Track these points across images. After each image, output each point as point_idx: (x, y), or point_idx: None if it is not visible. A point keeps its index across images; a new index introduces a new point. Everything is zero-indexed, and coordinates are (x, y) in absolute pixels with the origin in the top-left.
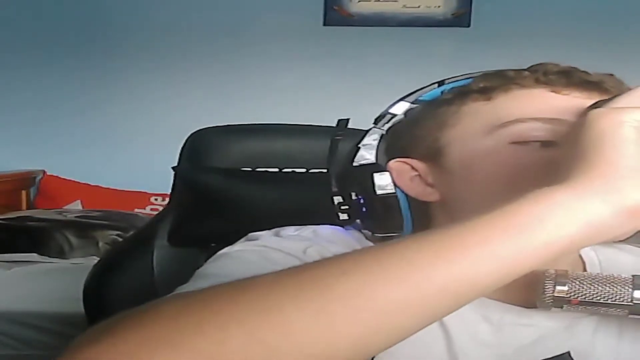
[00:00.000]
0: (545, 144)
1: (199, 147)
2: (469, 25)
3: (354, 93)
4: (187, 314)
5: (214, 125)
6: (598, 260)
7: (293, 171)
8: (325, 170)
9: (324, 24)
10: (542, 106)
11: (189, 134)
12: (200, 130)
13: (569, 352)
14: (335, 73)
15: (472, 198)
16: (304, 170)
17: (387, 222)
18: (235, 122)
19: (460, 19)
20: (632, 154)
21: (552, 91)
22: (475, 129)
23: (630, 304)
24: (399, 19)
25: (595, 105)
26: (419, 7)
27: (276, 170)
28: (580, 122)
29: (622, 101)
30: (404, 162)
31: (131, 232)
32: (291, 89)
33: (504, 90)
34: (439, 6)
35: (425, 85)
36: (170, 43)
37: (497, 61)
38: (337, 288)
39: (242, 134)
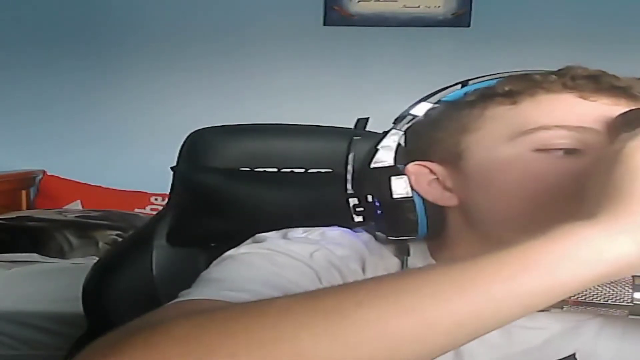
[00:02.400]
0: (569, 152)
1: (197, 147)
2: (469, 25)
3: (354, 93)
4: (197, 337)
5: (214, 125)
6: None
7: (292, 171)
8: (324, 171)
9: (324, 24)
10: (568, 113)
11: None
12: (199, 130)
13: (574, 354)
14: (335, 73)
15: (491, 205)
16: (303, 170)
17: (402, 225)
18: (234, 122)
19: (460, 19)
20: None
21: (580, 97)
22: (498, 134)
23: (630, 304)
24: (399, 19)
25: (625, 116)
26: (419, 7)
27: (275, 170)
28: (614, 151)
29: None
30: (422, 165)
31: (130, 232)
32: (291, 89)
33: (529, 95)
34: (439, 6)
35: (446, 86)
36: (170, 43)
37: (497, 61)
38: (352, 318)
39: (241, 134)
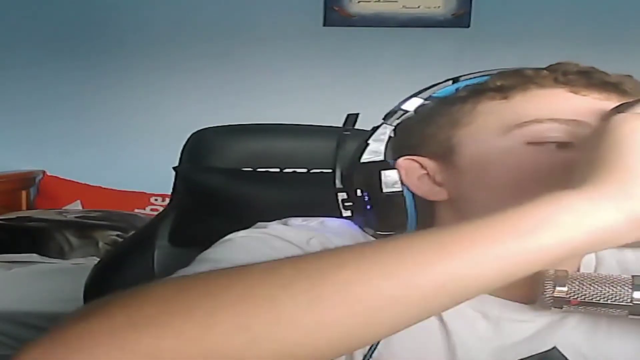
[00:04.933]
0: (562, 145)
1: (199, 147)
2: (469, 26)
3: (353, 93)
4: (177, 296)
5: (214, 125)
6: (595, 261)
7: (294, 171)
8: (326, 171)
9: (324, 25)
10: (560, 107)
11: (189, 134)
12: (202, 130)
13: (555, 347)
14: (335, 73)
15: (483, 198)
16: (305, 170)
17: (391, 220)
18: (235, 122)
19: (460, 19)
20: None
21: (571, 91)
22: (491, 128)
23: (629, 304)
24: (398, 20)
25: (618, 109)
26: (418, 7)
27: (277, 170)
28: (602, 127)
29: None
30: (412, 159)
31: (131, 233)
32: (291, 89)
33: (522, 90)
34: (438, 6)
35: (437, 82)
36: (171, 43)
37: (497, 61)
38: (331, 279)
39: (243, 134)
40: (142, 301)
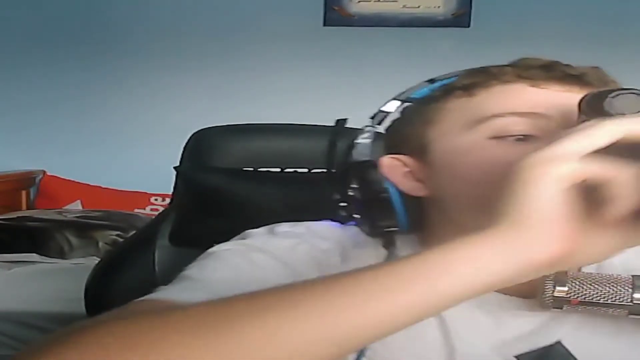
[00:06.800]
0: (523, 138)
1: (200, 147)
2: (469, 25)
3: (354, 93)
4: (104, 345)
5: (214, 125)
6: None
7: (295, 171)
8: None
9: (324, 24)
10: (520, 100)
11: (189, 134)
12: (203, 130)
13: (559, 341)
14: (335, 73)
15: (456, 194)
16: (305, 170)
17: (382, 218)
18: (235, 122)
19: (460, 19)
20: (546, 208)
21: (532, 85)
22: (457, 125)
23: (630, 304)
24: (399, 19)
25: (585, 99)
26: (418, 7)
27: (278, 170)
28: (518, 165)
29: (561, 145)
30: (395, 158)
31: (131, 233)
32: (291, 89)
33: (485, 87)
34: (438, 6)
35: (424, 82)
36: (171, 43)
37: (497, 61)
38: (248, 330)
39: (244, 134)
40: (77, 346)
